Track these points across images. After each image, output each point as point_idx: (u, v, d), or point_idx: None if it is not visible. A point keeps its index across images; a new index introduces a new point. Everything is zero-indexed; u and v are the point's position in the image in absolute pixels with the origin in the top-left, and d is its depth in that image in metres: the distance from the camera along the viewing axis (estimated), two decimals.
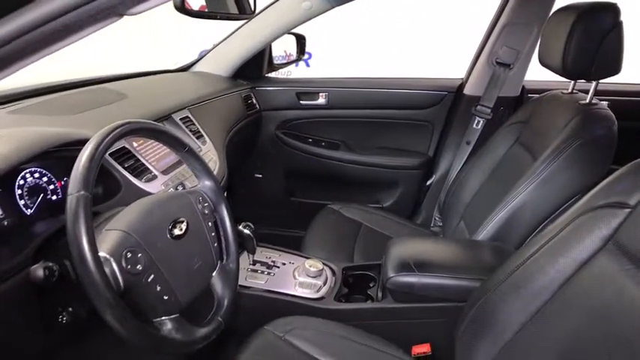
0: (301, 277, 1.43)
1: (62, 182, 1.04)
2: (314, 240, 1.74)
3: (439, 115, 2.11)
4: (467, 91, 2.05)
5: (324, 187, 2.25)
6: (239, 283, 1.30)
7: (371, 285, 1.48)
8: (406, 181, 2.17)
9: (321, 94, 2.17)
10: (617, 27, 1.30)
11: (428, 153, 2.17)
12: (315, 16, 1.93)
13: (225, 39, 2.07)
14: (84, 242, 0.74)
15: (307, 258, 1.49)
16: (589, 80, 1.40)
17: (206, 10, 1.23)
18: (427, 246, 1.46)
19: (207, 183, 1.11)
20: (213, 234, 1.08)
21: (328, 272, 1.47)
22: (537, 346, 0.87)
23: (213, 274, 1.06)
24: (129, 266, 0.82)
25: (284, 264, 1.50)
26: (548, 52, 1.44)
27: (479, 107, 2.01)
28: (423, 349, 1.28)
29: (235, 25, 2.03)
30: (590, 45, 1.31)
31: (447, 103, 2.09)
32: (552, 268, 0.87)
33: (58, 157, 1.01)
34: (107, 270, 0.78)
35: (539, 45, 1.52)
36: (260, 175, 2.28)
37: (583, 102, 1.43)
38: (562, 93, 1.58)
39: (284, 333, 1.18)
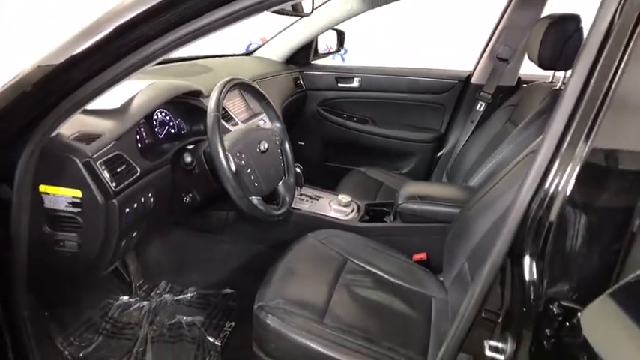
0: (335, 205, 1.95)
1: (178, 120, 1.60)
2: (344, 189, 2.27)
3: (450, 99, 2.60)
4: (473, 80, 2.54)
5: (354, 155, 2.76)
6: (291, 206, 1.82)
7: (385, 217, 1.99)
8: (421, 152, 2.67)
9: (355, 78, 2.69)
10: (578, 31, 1.79)
11: (440, 130, 2.66)
12: (354, 16, 2.45)
13: (279, 32, 2.61)
14: (217, 141, 1.29)
15: (340, 194, 2.02)
16: (558, 70, 1.88)
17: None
18: (429, 186, 1.98)
19: (277, 125, 1.66)
20: (281, 157, 1.62)
21: (355, 205, 1.99)
22: (493, 244, 1.23)
23: (280, 183, 1.60)
24: (237, 160, 1.37)
25: (322, 197, 2.03)
26: (531, 49, 1.92)
27: (482, 93, 2.49)
28: (422, 255, 1.80)
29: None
30: (559, 43, 1.80)
31: (457, 89, 2.58)
32: (509, 191, 1.29)
33: (178, 102, 1.55)
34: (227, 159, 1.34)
35: (527, 43, 2.01)
36: (302, 143, 2.82)
37: (555, 88, 1.92)
38: (544, 83, 2.06)
39: (322, 239, 1.66)
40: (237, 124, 1.80)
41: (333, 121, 2.75)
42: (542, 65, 1.85)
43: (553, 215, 0.82)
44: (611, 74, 0.76)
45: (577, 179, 0.78)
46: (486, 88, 2.48)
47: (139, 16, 0.85)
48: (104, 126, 1.23)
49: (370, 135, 2.71)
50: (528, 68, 2.40)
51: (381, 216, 1.98)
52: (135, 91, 1.36)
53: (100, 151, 1.17)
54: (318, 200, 2.00)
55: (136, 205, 1.27)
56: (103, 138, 1.20)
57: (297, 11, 1.89)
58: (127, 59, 0.90)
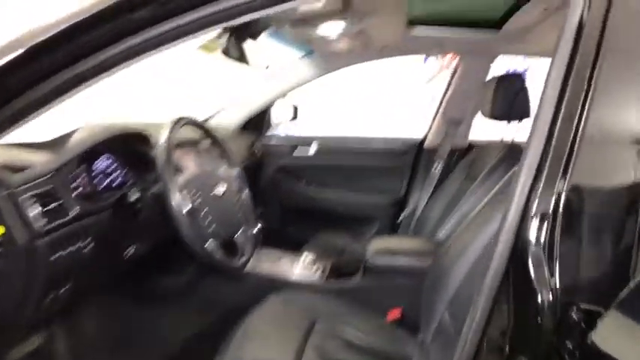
0: (299, 264, 1.80)
1: (124, 171, 1.43)
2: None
3: (407, 163, 2.60)
4: (427, 143, 2.58)
5: (315, 222, 2.64)
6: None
7: (354, 275, 1.85)
8: (383, 216, 2.60)
9: (312, 146, 2.66)
10: (524, 88, 1.87)
11: (400, 193, 2.63)
12: (309, 81, 2.48)
13: (235, 101, 2.59)
14: (169, 175, 1.16)
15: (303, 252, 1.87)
16: (512, 120, 1.93)
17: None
18: (398, 239, 1.88)
19: (236, 171, 1.55)
20: (239, 205, 1.49)
21: (320, 264, 1.85)
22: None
23: (239, 232, 1.46)
24: (192, 198, 1.23)
25: (284, 258, 1.87)
26: (484, 106, 1.99)
27: (437, 156, 2.52)
28: (396, 313, 1.64)
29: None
30: (510, 97, 1.87)
31: (412, 153, 2.60)
32: (481, 234, 1.25)
33: (125, 150, 1.40)
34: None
35: (481, 102, 2.07)
36: (259, 211, 2.68)
37: (507, 142, 1.96)
38: (498, 141, 2.10)
39: (286, 301, 1.50)
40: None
41: (290, 188, 2.66)
42: (497, 117, 1.91)
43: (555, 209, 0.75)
44: (579, 107, 0.76)
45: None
46: (441, 151, 2.51)
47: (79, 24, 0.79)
48: (36, 158, 1.08)
49: (330, 201, 2.63)
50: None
51: (349, 274, 1.83)
52: (73, 127, 1.23)
53: (29, 184, 1.00)
54: (280, 260, 1.85)
55: (69, 250, 1.07)
56: (33, 169, 1.03)
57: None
58: (71, 69, 0.82)
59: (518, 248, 0.77)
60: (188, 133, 1.71)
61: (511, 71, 1.97)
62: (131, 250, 1.28)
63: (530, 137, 0.80)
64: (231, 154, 1.59)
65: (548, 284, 0.73)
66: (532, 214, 0.76)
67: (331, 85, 4.53)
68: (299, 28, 1.71)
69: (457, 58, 2.48)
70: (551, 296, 0.73)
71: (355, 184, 2.66)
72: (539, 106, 0.80)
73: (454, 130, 2.48)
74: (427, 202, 2.42)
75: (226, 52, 1.61)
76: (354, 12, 1.55)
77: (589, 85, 0.77)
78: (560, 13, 1.65)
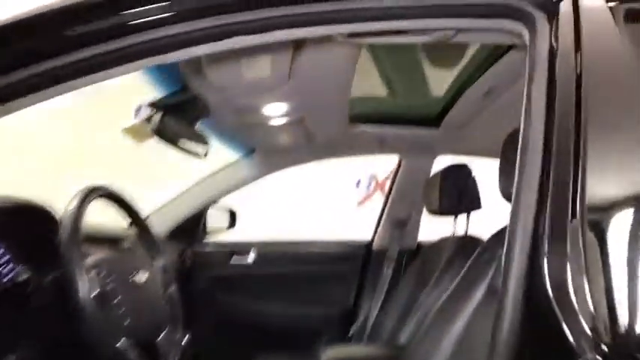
0: None
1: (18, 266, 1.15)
2: None
3: (354, 269, 2.42)
4: (375, 246, 2.44)
5: (254, 340, 2.31)
6: None
7: None
8: (331, 329, 2.32)
9: (250, 254, 2.43)
10: (471, 178, 1.84)
11: (349, 302, 2.39)
12: (248, 183, 2.34)
13: (165, 204, 2.37)
14: (73, 249, 0.91)
15: None
16: (458, 214, 1.86)
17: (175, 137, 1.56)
18: (353, 347, 1.62)
19: (162, 263, 1.30)
20: (164, 302, 1.22)
21: None
22: None
23: (162, 335, 1.17)
24: (102, 282, 0.97)
25: None
26: (430, 201, 1.93)
27: (386, 259, 2.36)
28: None
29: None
30: (458, 188, 1.82)
31: (359, 258, 2.43)
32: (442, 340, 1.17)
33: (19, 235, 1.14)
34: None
35: (426, 199, 2.01)
36: (189, 331, 2.31)
37: (458, 236, 1.87)
38: (447, 237, 2.01)
39: None
40: None
41: (226, 301, 2.35)
42: (444, 212, 1.84)
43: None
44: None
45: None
46: (389, 253, 2.37)
47: None
48: None
49: (271, 315, 2.34)
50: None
51: None
52: None
53: None
54: None
55: None
56: None
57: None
58: None
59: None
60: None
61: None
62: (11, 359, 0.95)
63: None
64: (158, 242, 1.35)
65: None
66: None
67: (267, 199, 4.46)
68: (241, 114, 1.62)
69: (391, 178, 2.49)
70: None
71: (300, 295, 2.41)
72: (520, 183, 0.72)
73: (401, 231, 2.38)
74: (379, 310, 2.21)
75: (158, 132, 1.45)
76: (298, 90, 1.49)
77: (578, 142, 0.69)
78: (500, 100, 1.74)
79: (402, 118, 2.12)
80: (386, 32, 1.03)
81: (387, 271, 2.34)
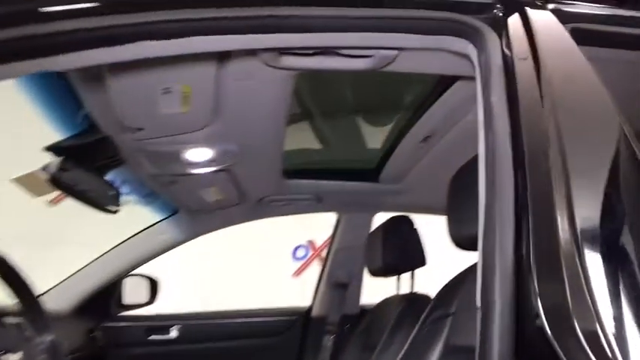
0: None
1: None
2: None
3: (291, 340, 2.18)
4: (314, 313, 2.23)
5: None
6: None
7: None
8: None
9: (171, 328, 2.13)
10: (412, 231, 1.74)
11: None
12: (171, 248, 2.09)
13: (74, 273, 2.06)
14: None
15: None
16: (401, 273, 1.74)
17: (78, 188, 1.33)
18: None
19: (49, 337, 1.04)
20: None
21: None
22: None
23: None
24: None
25: None
26: (371, 261, 1.80)
27: (326, 327, 2.15)
28: None
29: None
30: (400, 243, 1.71)
31: (298, 327, 2.20)
32: None
33: None
34: None
35: (367, 258, 1.87)
36: None
37: (404, 294, 1.75)
38: (392, 296, 1.87)
39: None
40: None
41: None
42: (387, 272, 1.75)
43: None
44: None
45: None
46: (330, 320, 2.17)
47: None
48: None
49: None
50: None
51: None
52: None
53: None
54: None
55: None
56: None
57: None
58: None
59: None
60: None
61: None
62: None
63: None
64: (45, 315, 1.09)
65: None
66: None
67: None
68: (158, 161, 1.43)
69: (329, 243, 2.36)
70: None
71: None
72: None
73: (342, 294, 2.20)
74: None
75: (56, 182, 1.22)
76: (225, 132, 1.33)
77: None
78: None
79: (339, 172, 2.01)
80: (321, 52, 0.93)
81: (329, 340, 2.12)
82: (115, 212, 1.52)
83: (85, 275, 2.04)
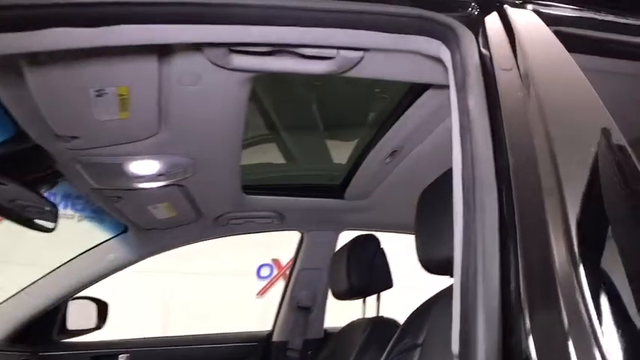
0: None
1: None
2: None
3: None
4: (275, 337, 2.10)
5: None
6: None
7: None
8: None
9: (120, 357, 1.96)
10: (379, 251, 1.65)
11: None
12: (119, 269, 1.93)
13: (11, 296, 1.86)
14: None
15: None
16: (367, 295, 1.64)
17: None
18: None
19: None
20: None
21: None
22: None
23: None
24: None
25: None
26: (336, 283, 1.69)
27: (288, 353, 2.03)
28: None
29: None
30: (367, 263, 1.62)
31: (259, 353, 2.06)
32: None
33: None
34: None
35: (331, 280, 1.77)
36: None
37: (370, 318, 1.67)
38: (358, 320, 1.77)
39: None
40: None
41: None
42: (353, 294, 1.65)
43: None
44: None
45: None
46: (292, 345, 2.05)
47: None
48: None
49: None
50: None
51: None
52: None
53: None
54: None
55: None
56: None
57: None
58: None
59: None
60: None
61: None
62: None
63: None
64: None
65: None
66: None
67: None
68: (98, 174, 1.29)
69: (292, 263, 2.24)
70: None
71: None
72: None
73: (305, 317, 2.08)
74: None
75: None
76: (174, 143, 1.21)
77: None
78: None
79: (302, 188, 1.91)
80: (277, 51, 0.83)
81: None
82: (51, 231, 1.37)
83: (21, 299, 1.86)
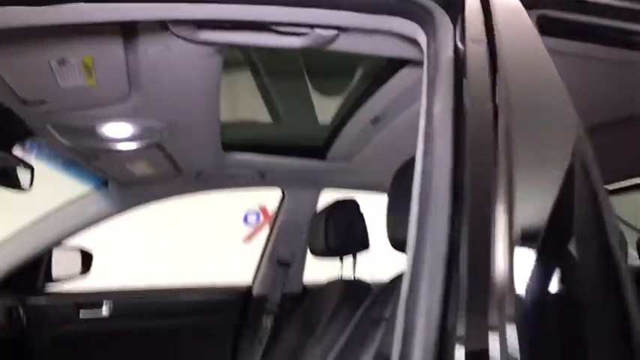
0: None
1: None
2: None
3: (230, 319, 2.11)
4: (255, 291, 2.15)
5: None
6: None
7: None
8: None
9: (104, 305, 2.01)
10: (358, 215, 1.67)
11: (225, 358, 2.06)
12: (102, 220, 1.94)
13: None
14: None
15: None
16: (344, 255, 1.67)
17: None
18: None
19: None
20: None
21: None
22: None
23: None
24: None
25: None
26: (314, 242, 1.72)
27: (267, 306, 2.09)
28: None
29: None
30: (344, 226, 1.64)
31: (238, 306, 2.13)
32: None
33: None
34: None
35: (310, 238, 1.80)
36: None
37: (346, 280, 1.71)
38: (335, 280, 1.81)
39: None
40: None
41: None
42: (330, 253, 1.66)
43: None
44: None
45: None
46: (271, 299, 2.10)
47: None
48: None
49: None
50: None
51: None
52: None
53: None
54: None
55: None
56: None
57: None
58: None
59: None
60: None
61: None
62: None
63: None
64: None
65: None
66: None
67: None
68: (70, 136, 1.26)
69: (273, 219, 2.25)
70: None
71: (167, 353, 2.04)
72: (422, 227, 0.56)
73: (285, 272, 2.13)
74: None
75: None
76: (148, 110, 1.18)
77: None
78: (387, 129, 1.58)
79: (285, 147, 1.90)
80: (247, 26, 0.80)
81: (269, 320, 2.07)
82: (28, 189, 1.37)
83: (5, 249, 1.88)
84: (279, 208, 2.18)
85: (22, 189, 1.35)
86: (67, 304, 1.99)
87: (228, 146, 1.74)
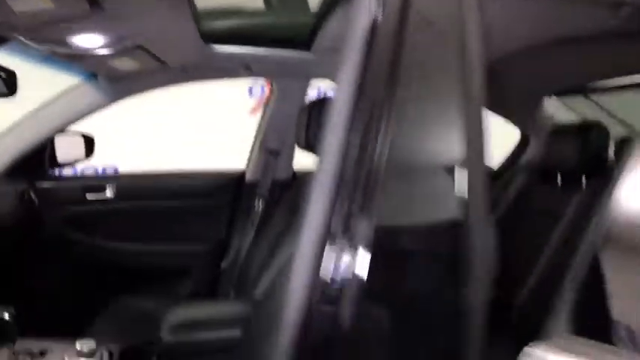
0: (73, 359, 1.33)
1: None
2: (97, 332, 1.65)
3: (225, 201, 2.28)
4: (248, 177, 2.29)
5: (115, 282, 2.16)
6: None
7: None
8: (201, 266, 2.22)
9: (108, 187, 2.18)
10: None
11: (219, 237, 2.28)
12: (97, 110, 2.01)
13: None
14: None
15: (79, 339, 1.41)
16: None
17: None
18: (200, 308, 1.53)
19: None
20: None
21: (104, 353, 1.40)
22: None
23: None
24: None
25: (51, 352, 1.39)
26: (299, 135, 1.77)
27: (258, 191, 2.24)
28: None
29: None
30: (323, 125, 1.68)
31: (232, 190, 2.28)
32: None
33: None
34: None
35: (296, 131, 1.85)
36: (34, 280, 2.09)
37: None
38: None
39: None
40: None
41: (82, 243, 2.13)
42: (311, 148, 1.71)
43: None
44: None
45: None
46: (262, 185, 2.25)
47: None
48: None
49: (135, 254, 2.17)
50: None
51: None
52: None
53: None
54: (44, 357, 1.36)
55: None
56: None
57: None
58: None
59: None
60: None
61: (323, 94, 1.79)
62: None
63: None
64: None
65: None
66: None
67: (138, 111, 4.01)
68: (48, 44, 1.27)
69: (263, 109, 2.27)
70: None
71: (167, 231, 2.25)
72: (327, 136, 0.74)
73: (274, 160, 2.24)
74: (250, 246, 2.13)
75: None
76: (117, 19, 1.18)
77: (385, 108, 0.68)
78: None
79: (269, 38, 1.86)
80: None
81: (260, 203, 2.23)
82: (12, 94, 1.42)
83: (12, 137, 1.99)
84: (268, 97, 2.21)
85: (7, 95, 1.40)
86: (74, 187, 2.16)
87: (211, 38, 1.73)
